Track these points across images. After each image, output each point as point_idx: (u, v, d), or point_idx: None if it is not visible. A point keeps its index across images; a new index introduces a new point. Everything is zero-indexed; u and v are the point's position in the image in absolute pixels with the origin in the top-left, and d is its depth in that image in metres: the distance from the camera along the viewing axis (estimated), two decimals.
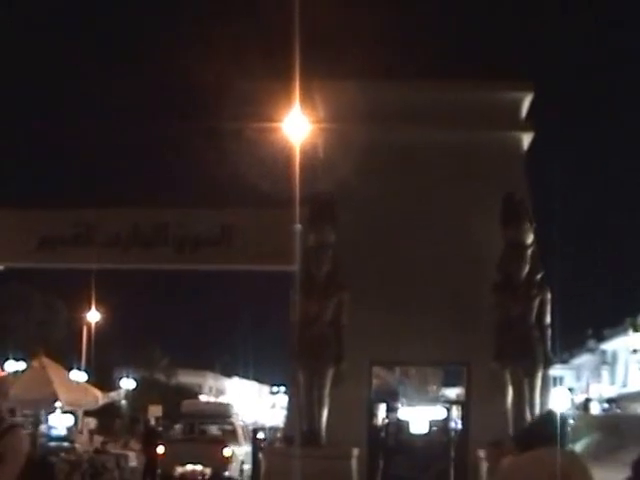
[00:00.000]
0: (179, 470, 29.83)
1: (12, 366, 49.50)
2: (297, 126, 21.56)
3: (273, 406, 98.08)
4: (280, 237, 21.52)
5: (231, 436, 32.17)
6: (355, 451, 19.86)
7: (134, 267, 26.69)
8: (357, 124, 21.89)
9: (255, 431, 28.09)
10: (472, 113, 21.79)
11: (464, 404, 22.34)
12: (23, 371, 32.45)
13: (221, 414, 38.07)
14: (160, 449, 30.56)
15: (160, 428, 36.79)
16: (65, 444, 34.76)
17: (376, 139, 21.66)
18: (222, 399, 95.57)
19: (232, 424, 35.07)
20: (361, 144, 21.31)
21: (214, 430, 34.77)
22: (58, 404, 30.33)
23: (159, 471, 29.64)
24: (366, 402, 21.80)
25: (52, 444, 34.06)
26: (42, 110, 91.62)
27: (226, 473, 28.04)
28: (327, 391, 19.86)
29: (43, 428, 35.22)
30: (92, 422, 47.65)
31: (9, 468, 7.25)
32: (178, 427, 38.75)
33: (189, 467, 29.72)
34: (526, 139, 22.66)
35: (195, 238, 23.52)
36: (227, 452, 28.80)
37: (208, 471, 29.20)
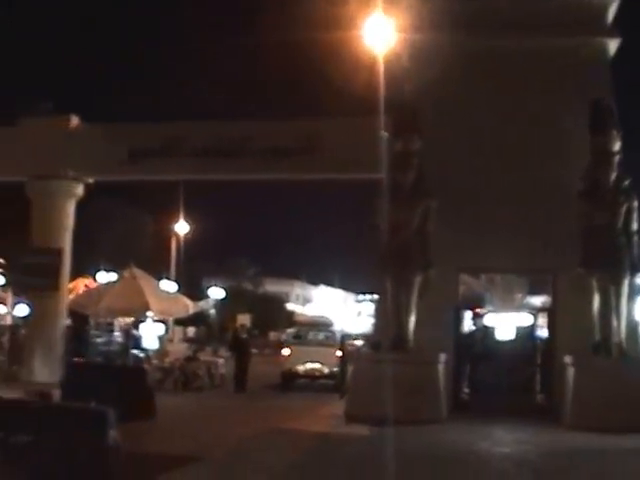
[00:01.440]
0: (301, 368, 34.55)
1: (103, 277, 50.37)
2: (381, 35, 21.51)
3: (359, 314, 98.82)
4: (366, 145, 21.64)
5: (333, 341, 36.57)
6: (442, 357, 20.11)
7: (221, 178, 27.10)
8: (442, 32, 21.69)
9: (343, 337, 29.73)
10: (558, 18, 21.46)
11: (550, 311, 22.36)
12: (115, 282, 33.10)
13: (325, 324, 47.35)
14: (286, 351, 36.30)
15: (245, 335, 37.50)
16: (156, 352, 35.57)
17: (461, 47, 21.47)
18: (308, 307, 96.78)
19: (333, 332, 40.45)
20: (446, 52, 21.19)
21: (320, 336, 39.21)
22: (149, 313, 31.02)
23: (286, 368, 34.70)
24: (453, 308, 21.98)
25: (144, 352, 34.84)
26: (139, 26, 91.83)
27: (335, 369, 32.32)
28: (414, 298, 20.06)
29: (135, 337, 35.96)
30: (182, 331, 48.64)
31: None
32: (290, 332, 43.61)
33: (309, 365, 34.42)
34: (613, 45, 22.26)
35: (281, 148, 23.73)
36: (338, 353, 32.32)
37: (325, 369, 34.06)
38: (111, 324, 43.24)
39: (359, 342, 40.05)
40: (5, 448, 11.81)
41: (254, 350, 41.41)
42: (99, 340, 39.94)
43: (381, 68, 20.75)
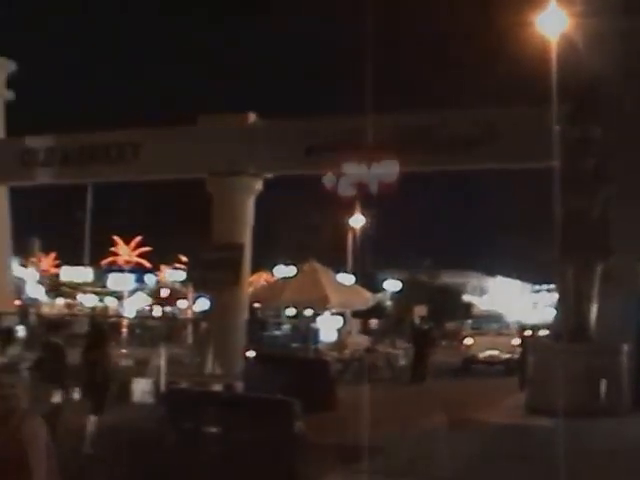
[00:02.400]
0: (481, 355, 38.13)
1: (281, 271, 51.21)
2: (554, 21, 21.20)
3: (535, 304, 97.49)
4: (541, 133, 21.34)
5: (507, 331, 41.03)
6: (625, 347, 19.71)
7: (400, 170, 27.23)
8: (616, 16, 21.24)
9: (523, 328, 30.25)
10: None
11: None
12: (294, 276, 33.63)
13: (499, 315, 53.45)
14: (468, 340, 39.88)
15: (426, 327, 37.83)
16: (333, 344, 35.99)
17: (637, 32, 20.97)
18: (485, 298, 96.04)
19: (507, 322, 45.22)
20: (620, 37, 20.74)
21: (496, 326, 42.86)
22: (329, 306, 31.40)
23: (469, 355, 38.67)
24: (635, 297, 21.48)
25: (323, 344, 35.28)
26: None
27: (509, 355, 35.97)
28: (595, 287, 19.71)
29: (314, 329, 36.46)
30: (360, 323, 48.91)
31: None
32: (468, 323, 49.36)
33: (488, 352, 37.88)
34: None
35: (458, 138, 23.63)
36: (515, 342, 36.19)
37: (502, 356, 37.27)
38: (278, 316, 44.09)
39: (537, 332, 40.79)
40: (196, 439, 12.23)
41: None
42: (277, 333, 40.70)
43: (554, 54, 20.44)
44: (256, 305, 32.16)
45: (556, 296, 22.91)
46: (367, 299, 33.40)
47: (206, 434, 11.98)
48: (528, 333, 31.69)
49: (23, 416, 7.08)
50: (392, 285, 78.57)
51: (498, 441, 16.04)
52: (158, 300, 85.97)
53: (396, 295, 75.47)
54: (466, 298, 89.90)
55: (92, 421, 16.52)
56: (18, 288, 52.47)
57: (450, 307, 75.71)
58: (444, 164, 25.36)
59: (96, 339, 18.49)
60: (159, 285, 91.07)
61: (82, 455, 15.52)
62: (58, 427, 16.69)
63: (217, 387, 20.69)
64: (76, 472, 11.97)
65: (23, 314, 41.55)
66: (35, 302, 69.03)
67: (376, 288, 63.73)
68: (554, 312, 25.14)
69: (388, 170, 15.88)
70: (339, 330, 39.96)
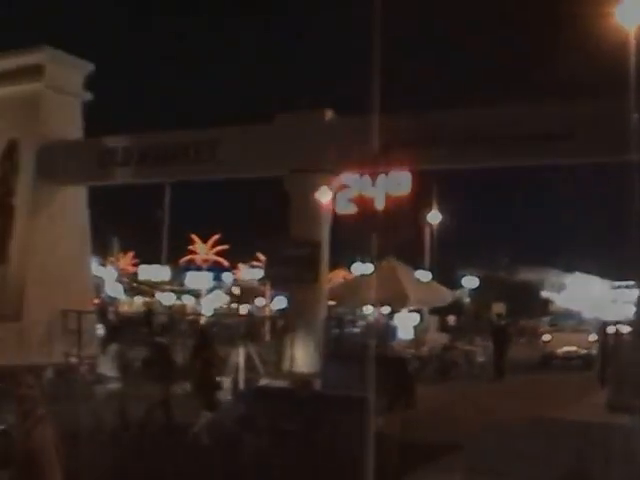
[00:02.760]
0: (559, 350, 39.52)
1: (358, 268, 51.18)
2: (633, 12, 20.94)
3: (614, 301, 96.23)
4: (622, 127, 21.03)
5: (584, 327, 42.82)
6: None
7: (480, 166, 27.09)
8: None
9: (605, 324, 30.28)
10: None
11: None
12: (372, 273, 33.54)
13: (576, 312, 57.61)
14: (546, 337, 41.47)
15: (503, 323, 37.80)
16: (410, 342, 35.89)
17: None
18: (563, 295, 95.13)
19: (583, 319, 48.14)
20: None
21: (573, 323, 45.16)
22: (408, 303, 31.26)
23: (547, 351, 40.10)
24: None
25: (400, 342, 35.18)
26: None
27: (592, 352, 36.37)
28: None
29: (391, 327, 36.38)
30: (437, 320, 48.73)
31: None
32: (546, 320, 51.84)
33: (566, 348, 39.34)
34: None
35: (540, 133, 23.37)
36: (592, 337, 37.40)
37: (580, 351, 38.68)
38: (352, 314, 44.10)
39: (617, 329, 40.31)
40: (275, 435, 12.27)
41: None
42: (353, 330, 40.75)
43: (633, 46, 20.17)
44: (330, 303, 32.08)
45: (637, 293, 22.60)
46: (446, 296, 33.25)
47: (285, 431, 12.01)
48: (611, 330, 31.48)
49: (36, 422, 7.13)
50: (470, 282, 78.11)
51: (579, 439, 15.83)
52: (235, 298, 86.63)
53: (474, 292, 75.03)
54: (544, 294, 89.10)
55: (206, 416, 17.32)
56: (97, 287, 53.17)
57: (528, 304, 75.10)
58: (523, 159, 25.11)
59: (204, 340, 19.14)
60: (236, 283, 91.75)
61: (203, 445, 16.43)
62: (168, 421, 17.47)
63: (295, 384, 20.76)
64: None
65: (101, 313, 42.10)
66: (114, 300, 70.00)
67: (454, 285, 63.49)
68: (634, 309, 24.79)
69: (398, 182, 14.72)
70: (415, 327, 39.83)
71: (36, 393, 7.29)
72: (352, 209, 11.47)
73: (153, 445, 16.26)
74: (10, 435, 8.25)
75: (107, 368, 22.14)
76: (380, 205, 11.31)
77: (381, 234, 10.97)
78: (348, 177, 11.96)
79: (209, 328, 29.71)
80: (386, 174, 11.43)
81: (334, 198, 12.12)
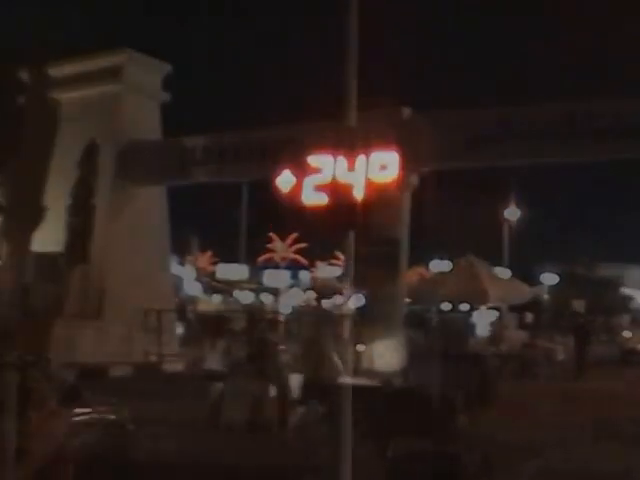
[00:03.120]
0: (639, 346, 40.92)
1: (436, 265, 51.03)
2: None
3: None
4: None
5: None
6: None
7: (559, 161, 26.90)
8: None
9: None
10: None
11: None
12: (450, 270, 33.40)
13: None
14: (627, 333, 43.13)
15: (582, 320, 37.53)
16: (487, 339, 35.62)
17: None
18: None
19: None
20: None
21: None
22: (488, 300, 31.02)
23: (628, 347, 41.03)
24: None
25: (479, 339, 35.00)
26: None
27: None
28: None
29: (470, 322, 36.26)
30: (516, 317, 48.34)
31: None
32: (626, 317, 53.45)
33: None
34: None
35: (620, 127, 23.09)
36: None
37: None
38: (428, 311, 43.91)
39: None
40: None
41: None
42: (432, 327, 40.55)
43: None
44: (407, 300, 31.96)
45: None
46: (525, 293, 32.93)
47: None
48: None
49: (47, 416, 7.14)
50: (549, 278, 77.30)
51: None
52: (316, 295, 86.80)
53: (553, 288, 74.22)
54: (625, 291, 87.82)
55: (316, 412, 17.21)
56: (176, 286, 53.67)
57: (608, 300, 74.13)
58: (606, 153, 24.82)
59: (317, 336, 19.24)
60: (314, 281, 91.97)
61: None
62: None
63: (375, 382, 20.74)
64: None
65: (181, 311, 42.48)
66: (193, 299, 70.58)
67: (533, 281, 62.88)
68: None
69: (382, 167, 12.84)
70: (494, 325, 39.59)
71: (44, 386, 7.33)
72: (322, 199, 8.96)
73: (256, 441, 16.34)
74: None
75: (215, 363, 22.29)
76: (359, 193, 9.42)
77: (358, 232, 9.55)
78: (318, 158, 9.69)
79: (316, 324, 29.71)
80: (366, 155, 9.12)
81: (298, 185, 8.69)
